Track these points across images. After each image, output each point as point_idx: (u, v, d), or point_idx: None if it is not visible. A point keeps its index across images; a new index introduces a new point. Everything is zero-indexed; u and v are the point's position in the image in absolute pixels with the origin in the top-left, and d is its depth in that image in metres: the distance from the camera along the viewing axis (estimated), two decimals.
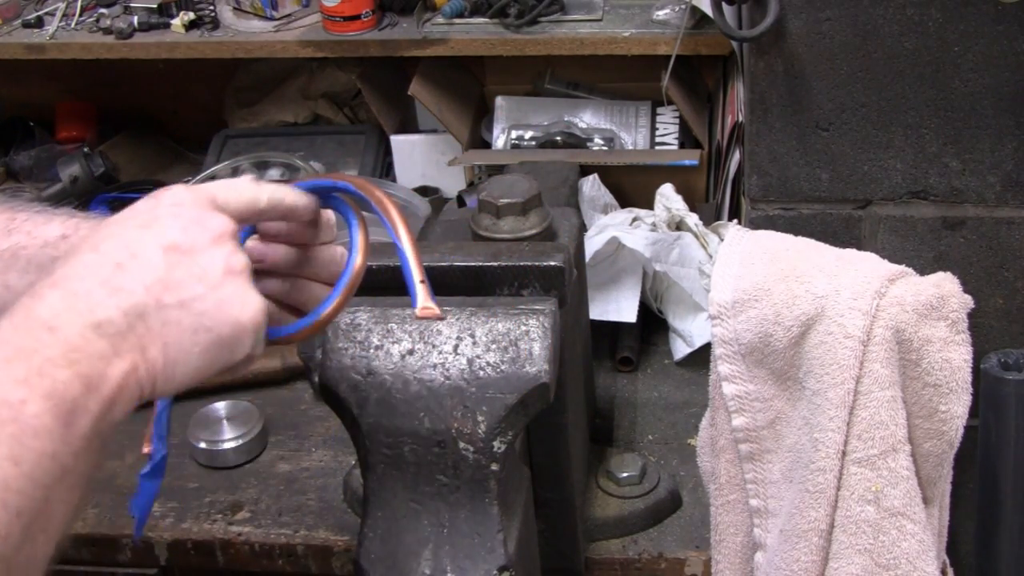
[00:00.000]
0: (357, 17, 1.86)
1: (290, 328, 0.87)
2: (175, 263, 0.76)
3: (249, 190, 0.83)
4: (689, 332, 1.60)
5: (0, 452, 0.65)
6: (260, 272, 0.89)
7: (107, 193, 2.00)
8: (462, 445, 1.02)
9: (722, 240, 1.27)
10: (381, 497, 1.05)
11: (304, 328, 0.86)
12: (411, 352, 1.04)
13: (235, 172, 2.10)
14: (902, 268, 1.16)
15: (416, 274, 0.85)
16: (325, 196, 0.89)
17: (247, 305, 0.78)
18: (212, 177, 2.05)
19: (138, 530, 0.98)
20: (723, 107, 1.79)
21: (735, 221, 1.55)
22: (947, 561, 1.26)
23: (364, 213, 0.88)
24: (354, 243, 0.87)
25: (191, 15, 1.92)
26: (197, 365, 0.76)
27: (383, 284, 1.11)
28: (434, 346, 1.04)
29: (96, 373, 0.70)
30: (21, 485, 0.65)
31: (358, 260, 0.87)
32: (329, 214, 0.90)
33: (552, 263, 1.14)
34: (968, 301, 1.13)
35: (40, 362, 0.68)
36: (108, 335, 0.72)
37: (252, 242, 0.88)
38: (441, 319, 0.88)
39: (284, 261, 0.89)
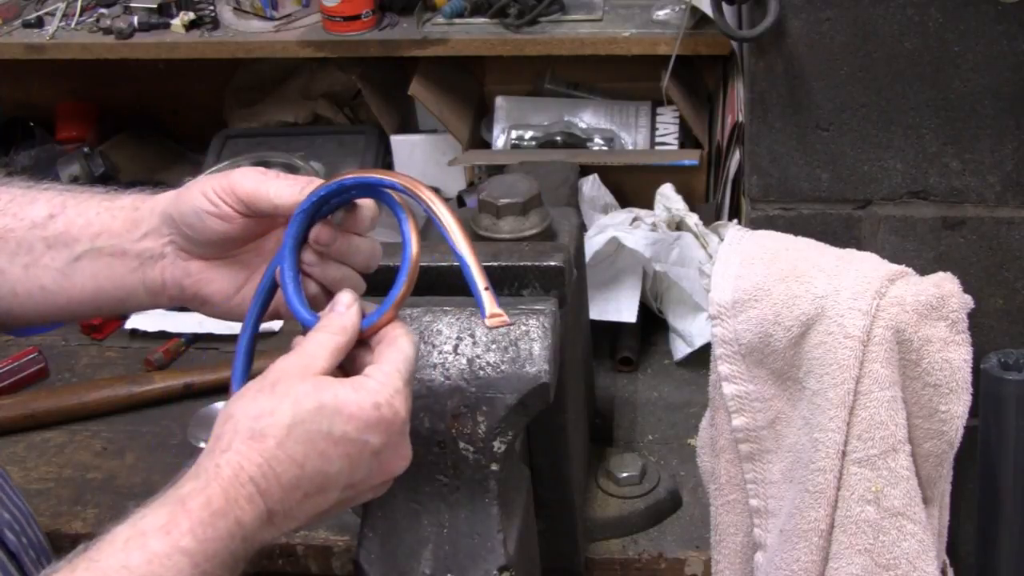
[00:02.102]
0: (357, 17, 1.86)
1: (363, 323, 0.90)
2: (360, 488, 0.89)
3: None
4: (689, 332, 1.60)
5: None
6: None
7: None
8: (462, 445, 1.02)
9: (722, 240, 1.27)
10: (381, 497, 1.04)
11: (377, 322, 0.90)
12: None
13: None
14: (902, 268, 1.16)
15: (480, 281, 0.87)
16: (371, 189, 0.91)
17: (402, 464, 0.90)
18: None
19: None
20: (723, 107, 1.79)
21: (735, 221, 1.55)
22: (947, 561, 1.26)
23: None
24: (406, 234, 0.90)
25: (191, 15, 1.92)
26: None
27: (384, 284, 1.11)
28: (434, 346, 1.04)
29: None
30: None
31: (414, 249, 0.90)
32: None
33: (552, 263, 1.14)
34: (968, 301, 1.13)
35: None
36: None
37: (321, 228, 0.92)
38: (510, 325, 0.90)
39: (337, 247, 0.93)
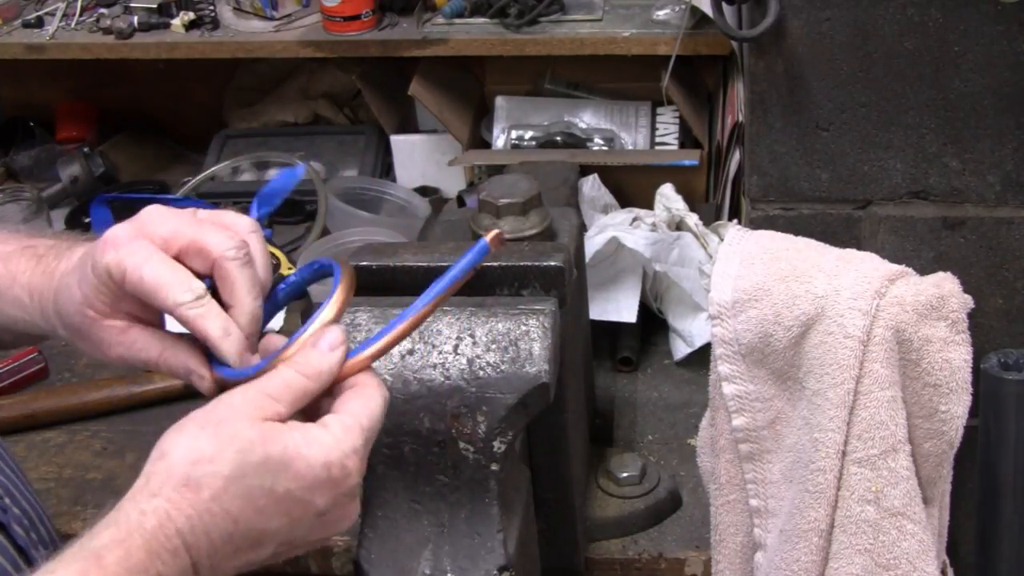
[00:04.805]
0: (357, 17, 1.86)
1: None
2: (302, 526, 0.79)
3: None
4: (689, 332, 1.60)
5: None
6: None
7: (107, 193, 2.00)
8: (462, 445, 1.02)
9: (722, 240, 1.27)
10: (381, 497, 1.04)
11: (349, 365, 0.85)
12: (411, 352, 1.04)
13: (235, 172, 2.10)
14: (902, 268, 1.16)
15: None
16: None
17: (346, 524, 0.82)
18: (212, 178, 2.04)
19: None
20: (723, 107, 1.79)
21: (735, 221, 1.55)
22: (947, 561, 1.26)
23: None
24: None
25: (191, 15, 1.93)
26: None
27: (383, 284, 1.11)
28: (434, 346, 1.04)
29: None
30: None
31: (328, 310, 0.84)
32: None
33: (552, 263, 1.13)
34: (968, 301, 1.13)
35: None
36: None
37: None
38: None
39: None
